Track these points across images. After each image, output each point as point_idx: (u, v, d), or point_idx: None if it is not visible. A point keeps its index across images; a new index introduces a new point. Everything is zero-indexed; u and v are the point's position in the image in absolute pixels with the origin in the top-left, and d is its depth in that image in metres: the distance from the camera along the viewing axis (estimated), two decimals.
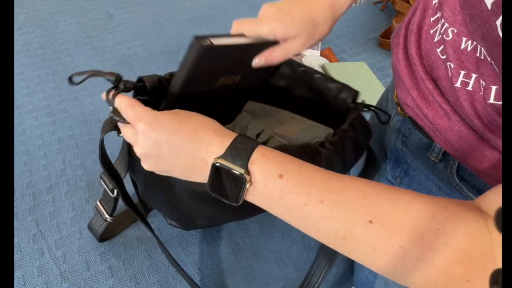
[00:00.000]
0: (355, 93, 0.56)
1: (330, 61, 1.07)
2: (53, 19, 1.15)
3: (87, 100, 0.91)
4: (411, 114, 0.48)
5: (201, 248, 0.65)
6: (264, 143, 0.67)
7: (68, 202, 0.70)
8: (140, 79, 0.51)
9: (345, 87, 0.56)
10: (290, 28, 0.48)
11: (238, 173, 0.35)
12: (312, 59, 1.04)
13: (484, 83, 0.36)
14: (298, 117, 0.62)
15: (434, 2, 0.44)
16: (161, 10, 1.26)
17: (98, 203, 0.59)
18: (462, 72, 0.38)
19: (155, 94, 0.52)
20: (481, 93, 0.37)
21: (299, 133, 0.61)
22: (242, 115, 0.63)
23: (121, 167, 0.55)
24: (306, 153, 0.46)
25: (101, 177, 0.55)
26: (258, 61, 0.49)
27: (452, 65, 0.39)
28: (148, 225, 0.58)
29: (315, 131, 0.51)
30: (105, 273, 0.61)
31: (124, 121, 0.41)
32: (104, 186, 0.56)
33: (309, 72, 0.58)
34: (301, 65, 0.59)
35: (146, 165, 0.41)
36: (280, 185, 0.34)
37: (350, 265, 0.78)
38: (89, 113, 0.88)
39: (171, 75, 0.54)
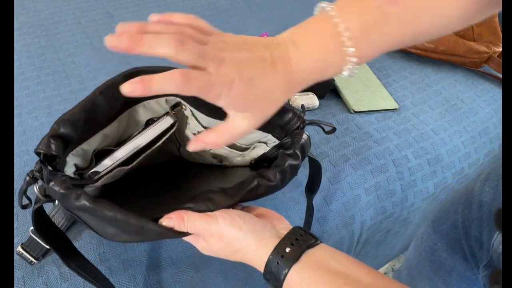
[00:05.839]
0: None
1: None
2: (53, 19, 1.15)
3: None
4: None
5: None
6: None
7: None
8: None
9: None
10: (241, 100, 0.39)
11: None
12: None
13: None
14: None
15: None
16: (161, 10, 1.26)
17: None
18: None
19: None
20: None
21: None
22: None
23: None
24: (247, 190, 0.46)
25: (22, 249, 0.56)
26: (193, 146, 0.43)
27: None
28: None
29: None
30: (105, 273, 0.60)
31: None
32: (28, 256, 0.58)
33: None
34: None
35: (200, 247, 0.47)
36: None
37: None
38: None
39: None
